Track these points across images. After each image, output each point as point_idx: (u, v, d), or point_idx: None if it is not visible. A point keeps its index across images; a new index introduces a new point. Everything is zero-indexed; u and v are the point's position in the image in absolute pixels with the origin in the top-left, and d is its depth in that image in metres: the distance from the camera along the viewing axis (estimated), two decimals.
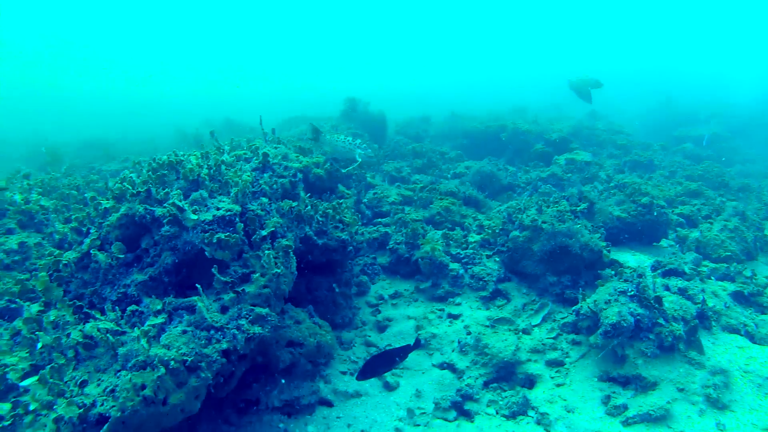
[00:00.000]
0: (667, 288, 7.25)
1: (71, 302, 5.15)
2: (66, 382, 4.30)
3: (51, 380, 4.22)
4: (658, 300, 6.28)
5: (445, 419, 5.83)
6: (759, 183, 14.74)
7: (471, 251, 8.59)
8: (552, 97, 28.68)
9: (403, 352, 5.81)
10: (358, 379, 5.73)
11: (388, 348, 6.03)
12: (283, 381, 5.93)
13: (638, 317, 6.12)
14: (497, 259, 8.50)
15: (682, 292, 7.20)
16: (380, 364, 5.68)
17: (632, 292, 6.39)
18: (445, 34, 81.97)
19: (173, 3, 73.48)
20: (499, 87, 42.40)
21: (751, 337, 6.83)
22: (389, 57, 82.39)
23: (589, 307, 6.62)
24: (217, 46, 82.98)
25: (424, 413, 5.90)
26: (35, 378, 4.37)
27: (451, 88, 44.58)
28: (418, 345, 6.13)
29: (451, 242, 8.77)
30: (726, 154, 18.77)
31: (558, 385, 6.27)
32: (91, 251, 5.42)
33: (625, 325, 6.02)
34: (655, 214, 9.28)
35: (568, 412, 5.81)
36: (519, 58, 73.39)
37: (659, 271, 7.92)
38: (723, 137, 20.85)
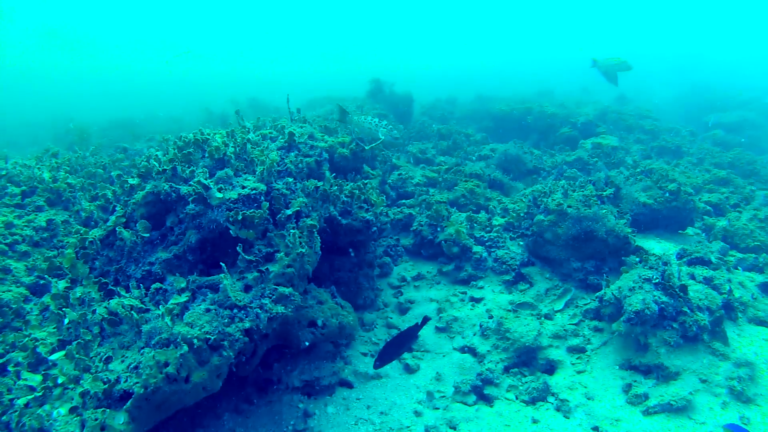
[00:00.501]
0: (693, 277, 7.16)
1: (97, 279, 5.22)
2: (91, 357, 4.39)
3: (77, 356, 4.31)
4: (683, 289, 6.20)
5: (465, 403, 5.86)
6: None
7: (495, 234, 8.56)
8: (579, 80, 28.24)
9: (413, 332, 5.83)
10: (375, 367, 5.75)
11: (399, 332, 6.04)
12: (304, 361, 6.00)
13: (662, 305, 6.05)
14: (521, 242, 8.46)
15: (708, 281, 7.11)
16: (394, 349, 5.70)
17: (657, 280, 6.31)
18: (474, 15, 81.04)
19: None
20: (526, 69, 41.81)
21: None
22: (416, 38, 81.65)
23: (612, 293, 6.58)
24: (243, 26, 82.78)
25: (443, 396, 5.93)
26: (63, 353, 4.46)
27: (478, 70, 44.02)
28: (425, 322, 6.14)
29: (475, 225, 8.74)
30: (758, 142, 18.41)
31: (579, 372, 6.25)
32: (117, 229, 5.48)
33: (648, 313, 5.96)
34: (683, 201, 9.16)
35: (589, 399, 5.80)
36: (547, 41, 72.37)
37: (685, 259, 7.83)
38: (756, 124, 20.44)
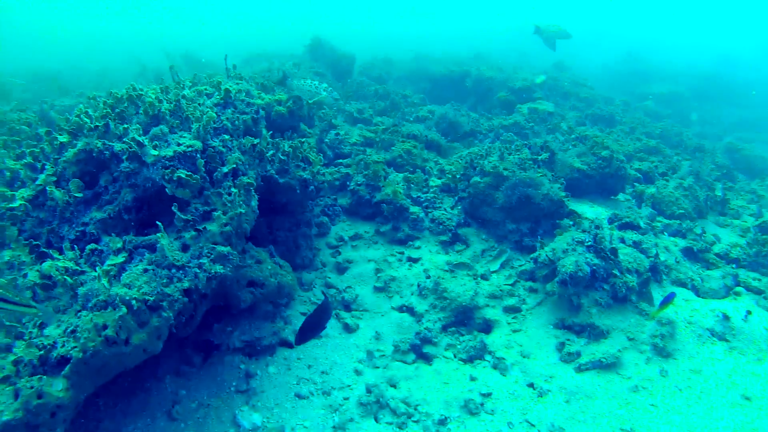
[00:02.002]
0: (623, 241, 7.39)
1: (27, 241, 4.97)
2: (24, 323, 4.19)
3: (9, 323, 4.11)
4: (614, 252, 6.41)
5: (404, 362, 5.92)
6: (713, 145, 15.10)
7: (432, 195, 8.59)
8: (519, 45, 28.52)
9: (322, 313, 5.76)
10: (296, 344, 5.67)
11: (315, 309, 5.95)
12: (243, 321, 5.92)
13: (594, 267, 6.25)
14: (458, 204, 8.52)
15: (637, 245, 7.35)
16: (314, 325, 5.61)
17: (589, 243, 6.50)
18: None
19: None
20: (467, 33, 41.92)
21: (696, 291, 7.12)
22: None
23: (547, 255, 6.74)
24: None
25: (383, 356, 5.97)
26: None
27: (415, 32, 43.90)
28: (326, 303, 6.11)
29: (412, 185, 8.74)
30: (685, 114, 19.13)
31: (514, 331, 6.41)
32: (47, 188, 5.22)
33: (581, 274, 6.14)
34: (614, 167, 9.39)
35: (524, 357, 5.97)
36: (488, 5, 72.52)
37: (616, 224, 8.05)
38: (684, 97, 21.17)
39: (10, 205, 5.23)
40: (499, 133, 12.55)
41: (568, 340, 6.08)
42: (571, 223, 7.49)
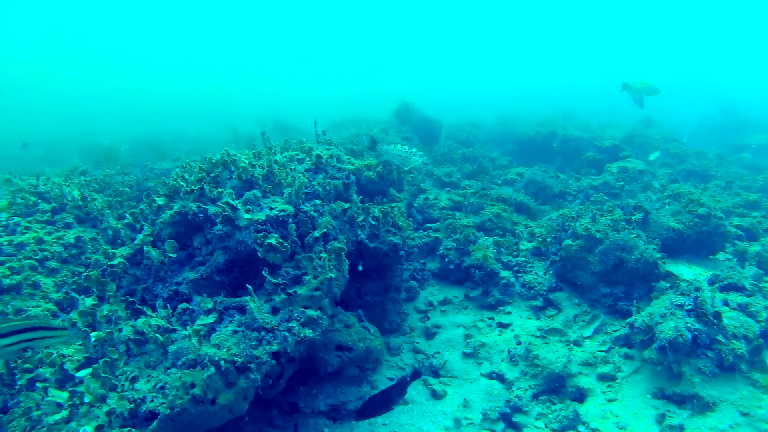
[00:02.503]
0: (726, 304, 6.99)
1: (123, 297, 5.26)
2: (117, 376, 4.42)
3: (104, 374, 4.33)
4: (717, 316, 6.08)
5: (493, 431, 5.77)
6: None
7: (522, 259, 8.50)
8: (604, 103, 28.12)
9: (401, 387, 5.74)
10: (356, 419, 5.65)
11: (387, 388, 5.90)
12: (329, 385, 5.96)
13: (696, 333, 5.92)
14: (549, 268, 8.38)
15: (743, 308, 6.93)
16: (378, 405, 5.57)
17: (689, 306, 6.19)
18: (495, 37, 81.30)
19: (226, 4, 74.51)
20: (550, 92, 41.77)
21: None
22: (438, 59, 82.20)
23: (643, 320, 6.47)
24: (268, 49, 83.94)
25: (471, 424, 5.85)
26: (89, 370, 4.49)
27: (501, 92, 44.10)
28: (416, 376, 6.08)
29: (502, 249, 8.68)
30: None
31: (610, 401, 6.12)
32: (144, 248, 5.53)
33: (681, 340, 5.84)
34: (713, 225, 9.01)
35: (620, 429, 5.66)
36: (569, 64, 72.37)
37: (717, 285, 7.66)
38: None
39: (111, 263, 5.55)
40: (588, 194, 12.36)
41: (669, 411, 5.73)
42: (668, 285, 7.21)
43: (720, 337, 5.97)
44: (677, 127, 21.29)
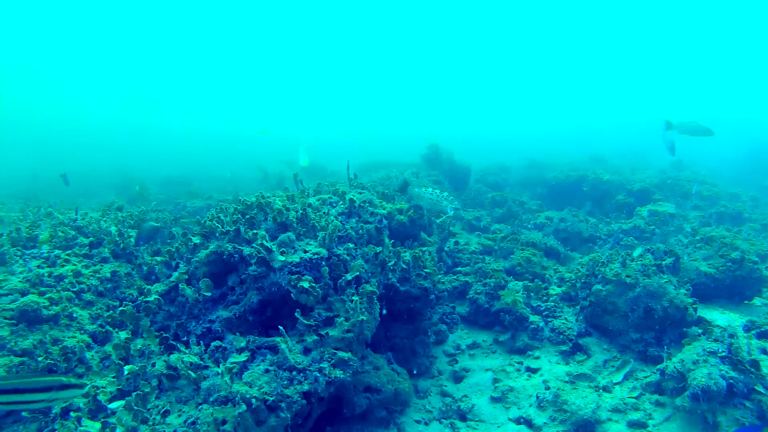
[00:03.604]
0: (765, 352, 6.87)
1: (157, 333, 5.38)
2: (149, 409, 4.51)
3: (136, 407, 4.42)
4: (755, 364, 5.95)
5: None
6: None
7: (552, 304, 8.46)
8: (633, 145, 28.08)
9: None
10: None
11: None
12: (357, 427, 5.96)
13: (731, 381, 5.79)
14: (578, 313, 8.33)
15: None
16: None
17: (723, 353, 6.08)
18: (522, 79, 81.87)
19: (259, 42, 76.25)
20: (577, 133, 41.91)
21: None
22: (465, 103, 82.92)
23: (675, 366, 6.37)
24: (294, 90, 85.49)
25: None
26: (122, 402, 4.59)
27: (529, 134, 44.43)
28: None
29: (531, 294, 8.67)
30: None
31: None
32: (179, 285, 5.67)
33: (715, 389, 5.72)
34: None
35: None
36: (596, 105, 72.53)
37: (753, 331, 7.53)
38: None
39: (147, 299, 5.69)
40: (618, 238, 12.28)
41: None
42: (700, 331, 7.10)
43: (759, 387, 5.83)
44: (710, 168, 21.09)
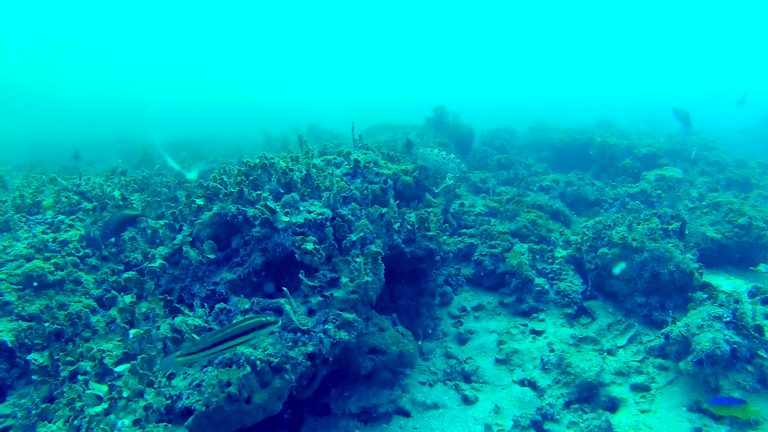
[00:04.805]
0: None
1: (162, 296, 5.39)
2: (155, 372, 4.52)
3: (141, 371, 4.44)
4: (759, 329, 5.96)
5: None
6: None
7: (557, 266, 8.44)
8: (645, 111, 27.77)
9: None
10: None
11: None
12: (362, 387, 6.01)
13: (735, 346, 5.80)
14: (584, 275, 8.32)
15: None
16: None
17: (728, 318, 6.07)
18: (532, 45, 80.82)
19: (263, 9, 75.38)
20: (590, 100, 41.41)
21: None
22: (475, 67, 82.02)
23: (679, 331, 6.36)
24: (300, 55, 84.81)
25: (502, 430, 5.84)
26: (128, 365, 4.61)
27: (537, 100, 43.84)
28: None
29: (537, 256, 8.64)
30: None
31: (643, 411, 6.04)
32: (183, 248, 5.65)
33: (719, 353, 5.73)
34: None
35: None
36: (611, 71, 71.68)
37: (758, 297, 7.50)
38: None
39: (151, 265, 5.69)
40: (625, 202, 12.21)
41: (705, 425, 5.60)
42: (705, 296, 7.09)
43: (762, 352, 5.84)
44: (721, 137, 20.83)
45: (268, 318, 3.93)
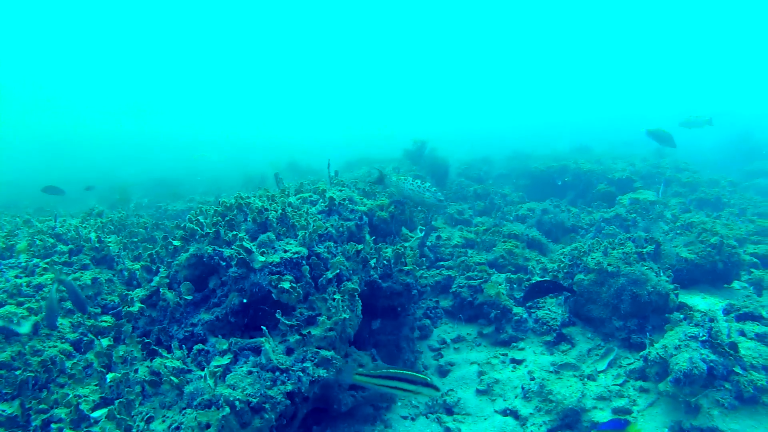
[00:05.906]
0: (743, 334, 6.93)
1: (140, 339, 5.36)
2: (133, 416, 4.50)
3: (119, 416, 4.40)
4: (733, 346, 6.02)
5: None
6: None
7: None
8: (623, 135, 28.28)
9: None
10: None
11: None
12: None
13: (711, 364, 5.85)
14: (565, 303, 8.36)
15: (761, 338, 6.86)
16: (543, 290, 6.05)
17: (704, 338, 6.13)
18: (514, 73, 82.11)
19: (246, 46, 76.15)
20: (567, 126, 42.06)
21: None
22: (456, 97, 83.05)
23: (657, 353, 6.41)
24: (282, 93, 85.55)
25: None
26: (105, 410, 4.56)
27: (517, 130, 44.52)
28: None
29: (514, 286, 8.69)
30: None
31: None
32: (160, 290, 5.64)
33: (697, 372, 5.77)
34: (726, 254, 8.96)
35: None
36: (588, 97, 72.95)
37: (733, 315, 7.60)
38: None
39: (130, 309, 5.66)
40: (600, 227, 12.33)
41: None
42: (681, 316, 7.16)
43: (737, 369, 5.89)
44: (691, 157, 21.20)
45: (435, 383, 4.07)
